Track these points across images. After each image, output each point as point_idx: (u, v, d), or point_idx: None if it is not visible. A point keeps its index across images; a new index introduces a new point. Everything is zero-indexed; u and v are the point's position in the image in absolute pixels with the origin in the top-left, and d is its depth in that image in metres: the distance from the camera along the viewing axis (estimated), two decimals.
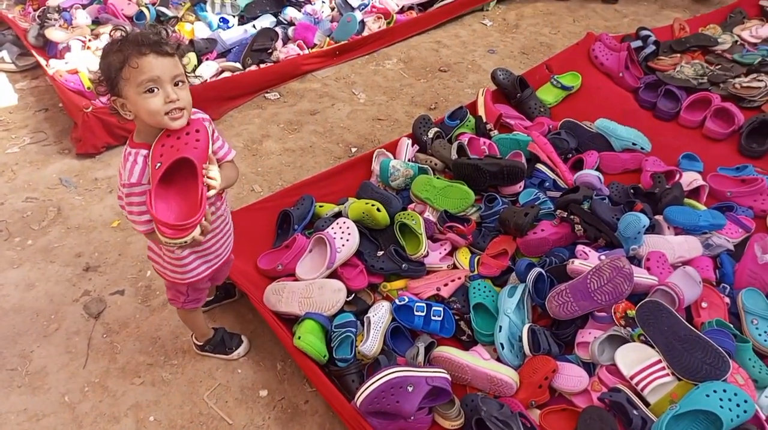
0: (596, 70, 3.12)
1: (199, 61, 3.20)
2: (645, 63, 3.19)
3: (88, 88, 2.88)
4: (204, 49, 3.26)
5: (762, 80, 2.93)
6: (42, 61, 3.07)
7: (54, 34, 3.12)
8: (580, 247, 2.11)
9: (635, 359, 1.74)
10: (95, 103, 2.72)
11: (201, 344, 1.95)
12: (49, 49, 3.20)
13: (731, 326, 1.83)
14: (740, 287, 2.00)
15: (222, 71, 3.19)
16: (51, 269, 2.25)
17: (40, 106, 3.07)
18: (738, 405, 1.53)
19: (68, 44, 3.11)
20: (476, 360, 1.80)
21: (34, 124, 2.94)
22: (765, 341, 1.85)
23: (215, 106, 3.03)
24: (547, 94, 2.99)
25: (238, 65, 3.21)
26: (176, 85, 1.33)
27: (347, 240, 2.09)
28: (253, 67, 3.24)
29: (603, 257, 1.99)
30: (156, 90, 1.30)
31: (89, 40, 3.16)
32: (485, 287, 2.06)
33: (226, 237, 1.68)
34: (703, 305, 1.93)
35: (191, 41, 3.25)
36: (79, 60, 2.97)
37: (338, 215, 2.29)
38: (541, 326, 1.95)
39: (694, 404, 1.55)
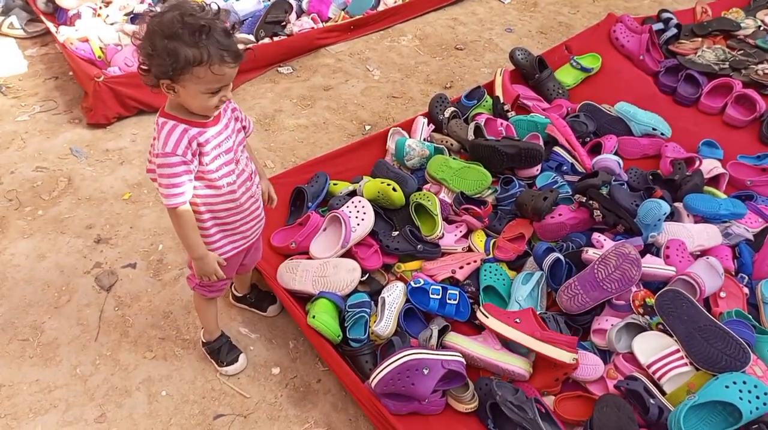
0: (616, 52, 3.05)
1: None
2: (666, 46, 3.13)
3: (99, 57, 2.83)
4: None
5: None
6: (52, 27, 3.01)
7: (64, 0, 3.05)
8: (595, 235, 2.08)
9: (653, 347, 1.73)
10: (106, 72, 2.67)
11: (204, 341, 1.88)
12: (59, 15, 3.14)
13: (750, 317, 1.82)
14: (759, 278, 1.99)
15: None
16: (62, 240, 2.22)
17: (50, 74, 3.02)
18: (758, 397, 1.52)
19: (78, 11, 3.04)
20: (487, 351, 1.78)
21: (44, 93, 2.90)
22: None
23: None
24: (566, 76, 2.93)
25: (251, 38, 3.15)
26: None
27: (362, 219, 2.06)
28: (266, 40, 3.18)
29: None
30: (218, 91, 1.32)
31: (100, 8, 3.09)
32: (497, 269, 2.04)
33: (257, 221, 1.64)
34: (722, 295, 1.91)
35: None
36: (90, 28, 2.91)
37: (353, 193, 2.26)
38: (555, 312, 1.94)
39: (713, 395, 1.54)
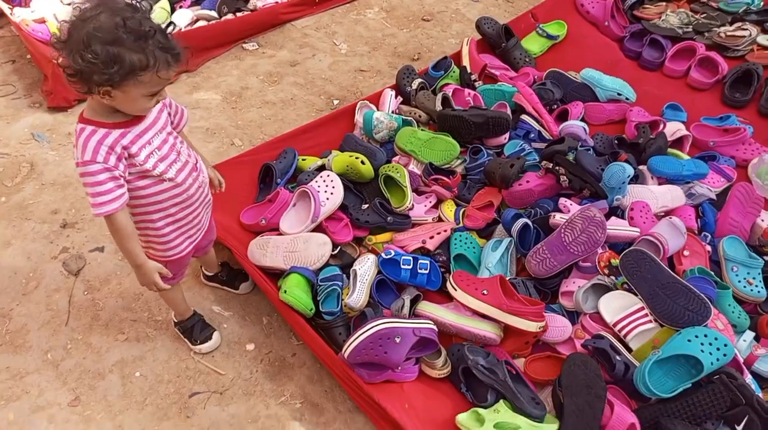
0: (582, 19, 3.06)
1: (173, 9, 3.07)
2: (630, 12, 3.14)
3: None
4: None
5: (747, 29, 2.89)
6: (6, 9, 2.91)
7: None
8: (562, 200, 2.11)
9: (618, 306, 1.77)
10: None
11: (176, 321, 1.87)
12: None
13: (712, 273, 1.87)
14: (721, 236, 2.03)
15: (197, 20, 3.06)
16: (27, 226, 2.19)
17: (7, 57, 2.93)
18: (718, 349, 1.57)
19: None
20: (459, 317, 1.80)
21: (1, 77, 2.81)
22: (744, 287, 1.89)
23: (191, 58, 2.92)
24: (533, 44, 2.93)
25: (214, 14, 3.09)
26: None
27: (331, 193, 2.06)
28: (230, 16, 3.11)
29: None
30: (157, 92, 1.29)
31: None
32: (467, 238, 2.06)
33: (207, 207, 1.62)
34: (686, 253, 1.95)
35: None
36: (46, 8, 2.83)
37: (321, 168, 2.25)
38: (524, 277, 1.97)
39: (676, 349, 1.58)
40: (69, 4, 2.90)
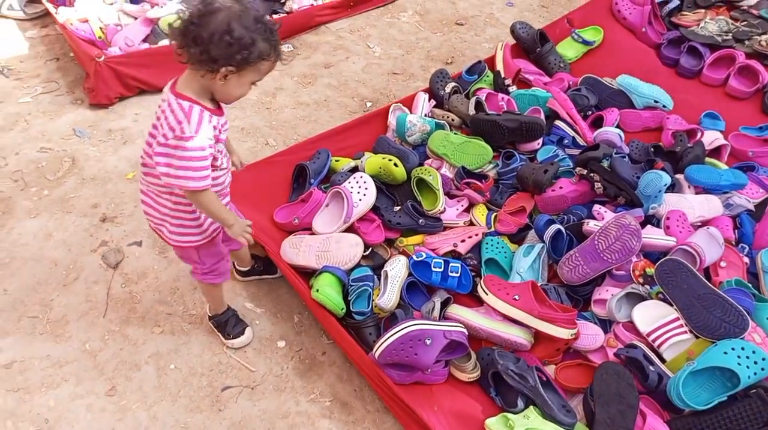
0: (618, 25, 3.03)
1: None
2: (668, 18, 3.10)
3: (99, 37, 2.83)
4: None
5: None
6: (51, 8, 3.00)
7: None
8: (596, 207, 2.09)
9: (653, 316, 1.75)
10: (107, 52, 2.67)
11: (210, 315, 1.92)
12: None
13: (750, 285, 1.83)
14: (759, 247, 2.00)
15: None
16: (68, 220, 2.25)
17: (51, 55, 3.02)
18: (756, 363, 1.54)
19: None
20: (489, 322, 1.80)
21: (45, 74, 2.90)
22: None
23: None
24: (568, 49, 2.92)
25: None
26: None
27: (364, 194, 2.08)
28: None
29: None
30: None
31: None
32: (498, 242, 2.06)
33: (227, 194, 1.68)
34: (722, 264, 1.92)
35: None
36: (89, 8, 2.91)
37: (355, 169, 2.27)
38: (556, 284, 1.96)
39: (711, 360, 1.56)
40: (111, 5, 2.98)
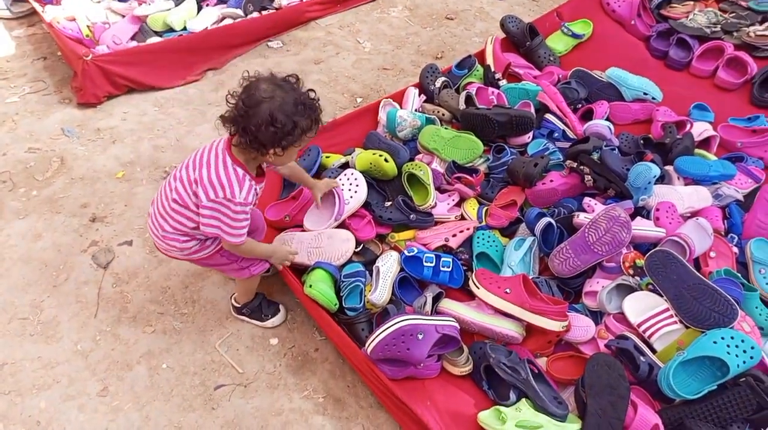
0: (608, 18, 3.04)
1: (199, 8, 3.10)
2: (657, 11, 3.10)
3: (87, 35, 2.81)
4: None
5: None
6: (38, 7, 2.97)
7: None
8: (586, 199, 2.10)
9: (643, 307, 1.76)
10: (95, 51, 2.65)
11: (239, 306, 1.94)
12: None
13: (739, 275, 1.84)
14: (748, 237, 2.01)
15: (223, 18, 3.10)
16: (57, 220, 2.24)
17: (39, 54, 3.00)
18: (745, 351, 1.55)
19: None
20: (480, 316, 1.81)
21: (33, 73, 2.88)
22: None
23: (217, 55, 2.96)
24: (557, 43, 2.92)
25: (240, 12, 3.12)
26: None
27: (355, 191, 2.08)
28: (255, 14, 3.15)
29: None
30: None
31: None
32: (490, 236, 2.07)
33: None
34: (712, 254, 1.93)
35: None
36: (77, 7, 2.88)
37: (345, 165, 2.27)
38: (547, 277, 1.97)
39: (701, 350, 1.57)
40: (99, 3, 2.96)
